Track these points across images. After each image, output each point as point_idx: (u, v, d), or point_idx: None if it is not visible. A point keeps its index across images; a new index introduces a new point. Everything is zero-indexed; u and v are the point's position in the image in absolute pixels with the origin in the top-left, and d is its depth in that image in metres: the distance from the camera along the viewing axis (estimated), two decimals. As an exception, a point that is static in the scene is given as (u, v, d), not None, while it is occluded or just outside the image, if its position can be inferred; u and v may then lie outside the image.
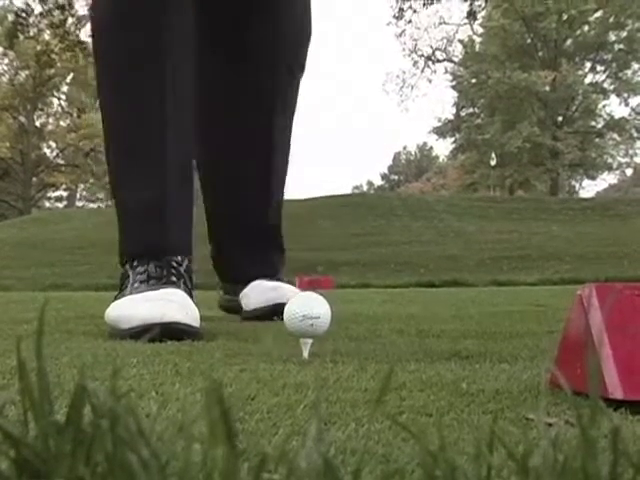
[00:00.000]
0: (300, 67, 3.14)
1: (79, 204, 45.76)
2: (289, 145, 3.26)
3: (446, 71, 40.17)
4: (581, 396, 0.57)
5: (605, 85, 38.09)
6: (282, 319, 1.62)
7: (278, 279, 3.08)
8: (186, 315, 2.02)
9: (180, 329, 1.98)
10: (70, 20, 19.42)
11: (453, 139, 41.87)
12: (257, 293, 2.96)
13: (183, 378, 1.27)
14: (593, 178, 43.13)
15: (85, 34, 19.32)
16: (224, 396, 0.41)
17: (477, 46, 40.12)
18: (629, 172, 50.75)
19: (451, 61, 40.17)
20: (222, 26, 3.02)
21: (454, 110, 41.85)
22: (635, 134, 37.92)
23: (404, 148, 74.15)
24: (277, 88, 3.06)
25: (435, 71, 40.07)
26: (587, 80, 37.91)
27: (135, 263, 2.32)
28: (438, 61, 39.43)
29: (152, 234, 2.36)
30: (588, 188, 51.81)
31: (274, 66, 3.04)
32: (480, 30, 39.22)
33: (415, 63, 38.84)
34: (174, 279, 2.25)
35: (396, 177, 72.35)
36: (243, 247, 3.14)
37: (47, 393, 0.45)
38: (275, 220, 3.25)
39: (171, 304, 2.04)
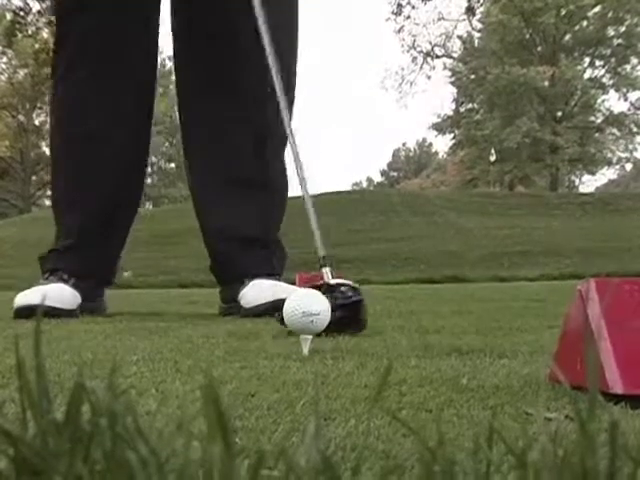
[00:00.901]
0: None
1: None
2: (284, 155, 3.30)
3: (445, 67, 40.15)
4: (581, 391, 0.57)
5: (604, 80, 38.05)
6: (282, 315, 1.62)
7: (277, 278, 3.10)
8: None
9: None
10: (68, 18, 19.38)
11: (452, 135, 41.82)
12: (256, 291, 2.97)
13: (183, 375, 1.27)
14: (593, 173, 43.11)
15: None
16: (221, 394, 0.41)
17: (476, 42, 40.09)
18: (629, 167, 50.74)
19: (450, 57, 40.15)
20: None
21: (453, 106, 41.82)
22: (634, 129, 37.89)
23: (403, 144, 74.13)
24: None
25: (434, 67, 39.94)
26: (586, 75, 37.87)
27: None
28: (437, 57, 39.43)
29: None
30: (588, 183, 51.79)
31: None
32: (479, 26, 39.21)
33: (414, 59, 38.85)
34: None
35: (395, 174, 72.32)
36: (241, 249, 3.16)
37: (46, 391, 0.45)
38: (275, 230, 3.29)
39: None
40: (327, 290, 2.05)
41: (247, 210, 3.19)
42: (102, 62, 3.12)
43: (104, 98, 3.14)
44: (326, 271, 2.26)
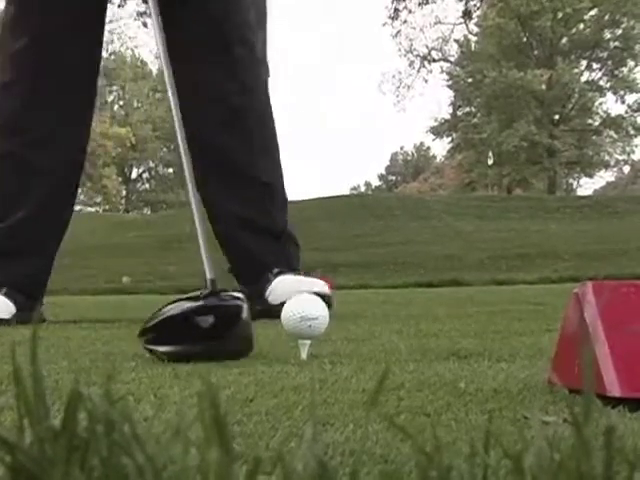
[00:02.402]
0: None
1: (76, 208, 45.67)
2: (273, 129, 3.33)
3: (442, 71, 40.19)
4: (580, 394, 0.57)
5: (601, 83, 38.10)
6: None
7: (297, 272, 3.19)
8: None
9: None
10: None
11: (450, 139, 41.84)
12: (283, 286, 3.04)
13: (181, 381, 1.27)
14: (590, 176, 43.17)
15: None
16: (218, 400, 0.41)
17: (473, 45, 40.15)
18: (626, 169, 50.82)
19: (447, 61, 40.19)
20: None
21: (451, 110, 41.85)
22: (632, 131, 37.93)
23: (401, 148, 74.08)
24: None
25: (431, 71, 39.90)
26: (583, 78, 37.91)
27: None
28: (434, 61, 39.46)
29: None
30: (586, 186, 51.79)
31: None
32: (476, 29, 39.26)
33: (411, 63, 38.87)
34: None
35: (394, 177, 72.34)
36: (256, 242, 3.19)
37: (43, 398, 0.45)
38: (283, 217, 3.32)
39: None
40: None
41: (258, 202, 3.25)
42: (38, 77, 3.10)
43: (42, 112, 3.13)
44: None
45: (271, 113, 3.33)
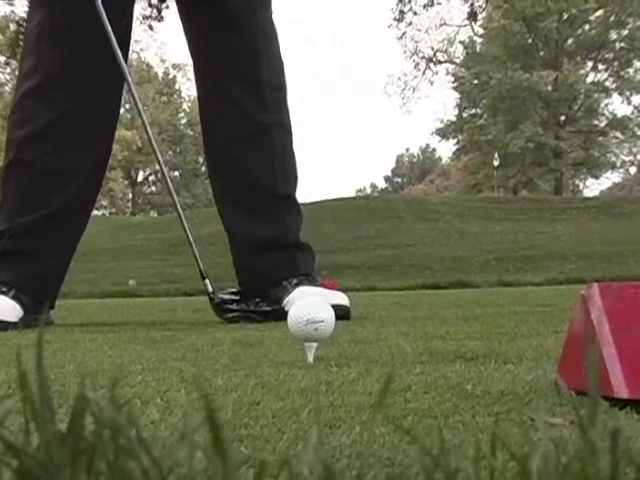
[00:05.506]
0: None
1: (83, 212, 45.59)
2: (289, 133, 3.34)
3: (447, 72, 40.24)
4: (586, 396, 0.56)
5: (607, 84, 38.10)
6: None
7: (308, 278, 3.18)
8: None
9: None
10: (71, 28, 19.42)
11: (456, 140, 41.90)
12: (300, 298, 3.02)
13: (188, 384, 1.27)
14: (597, 177, 43.19)
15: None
16: (213, 406, 0.41)
17: (478, 47, 40.15)
18: (633, 170, 50.72)
19: (452, 62, 40.22)
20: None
21: (456, 111, 41.89)
22: (638, 132, 37.91)
23: (407, 150, 74.18)
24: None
25: (436, 73, 40.12)
26: (589, 79, 37.91)
27: None
28: (439, 62, 39.51)
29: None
30: (592, 187, 51.81)
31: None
32: (481, 31, 39.26)
33: (416, 65, 38.93)
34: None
35: (399, 179, 72.39)
36: (274, 261, 3.18)
37: (49, 402, 0.45)
38: (299, 228, 3.32)
39: None
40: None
41: (276, 215, 3.26)
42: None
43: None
44: (206, 282, 2.68)
45: (291, 128, 3.34)
